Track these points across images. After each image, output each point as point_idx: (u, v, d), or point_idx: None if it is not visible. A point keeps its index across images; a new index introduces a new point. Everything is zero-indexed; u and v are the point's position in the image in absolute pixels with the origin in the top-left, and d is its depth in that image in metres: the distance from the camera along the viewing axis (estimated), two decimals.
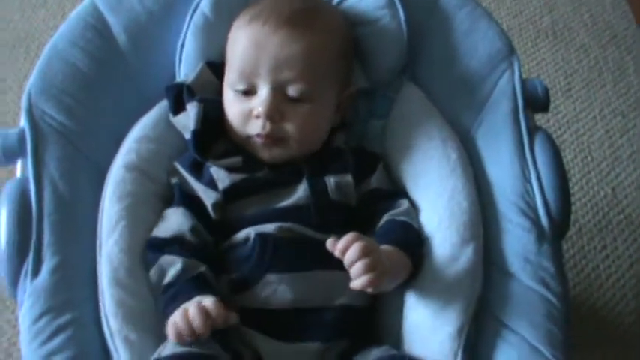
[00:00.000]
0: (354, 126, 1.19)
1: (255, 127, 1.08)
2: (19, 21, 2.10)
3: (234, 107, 1.10)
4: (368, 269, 0.94)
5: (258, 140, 1.08)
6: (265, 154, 1.09)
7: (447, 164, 1.10)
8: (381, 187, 1.13)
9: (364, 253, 0.95)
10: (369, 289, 0.95)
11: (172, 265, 1.00)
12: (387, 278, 0.98)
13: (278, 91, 1.07)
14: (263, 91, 1.07)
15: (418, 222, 1.09)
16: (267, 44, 1.07)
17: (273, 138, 1.08)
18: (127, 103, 1.17)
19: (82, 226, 1.07)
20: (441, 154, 1.11)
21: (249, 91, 1.09)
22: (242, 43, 1.10)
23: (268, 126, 1.07)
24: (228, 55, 1.13)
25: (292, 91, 1.07)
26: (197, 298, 0.95)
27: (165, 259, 1.01)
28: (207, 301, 0.94)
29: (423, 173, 1.11)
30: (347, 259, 0.95)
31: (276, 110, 1.07)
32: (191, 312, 0.93)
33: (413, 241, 1.06)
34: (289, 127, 1.07)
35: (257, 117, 1.07)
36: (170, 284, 1.00)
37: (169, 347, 0.94)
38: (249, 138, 1.09)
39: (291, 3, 1.13)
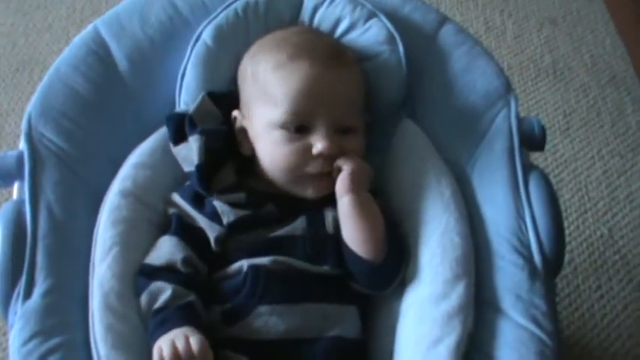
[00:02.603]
0: None
1: (315, 166, 1.08)
2: (23, 45, 2.12)
3: (285, 147, 1.09)
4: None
5: (313, 181, 1.09)
6: (313, 193, 1.10)
7: (441, 201, 1.10)
8: None
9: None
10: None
11: (162, 292, 1.00)
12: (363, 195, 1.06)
13: (334, 128, 1.09)
14: (322, 130, 1.08)
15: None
16: (321, 83, 1.08)
17: (329, 175, 1.09)
18: (125, 129, 1.18)
19: (76, 250, 1.06)
20: (435, 191, 1.11)
21: (302, 129, 1.09)
22: (292, 81, 1.08)
23: (328, 164, 1.08)
24: (269, 93, 1.10)
25: (345, 126, 1.10)
26: (185, 329, 0.95)
27: (156, 285, 1.01)
28: (195, 341, 0.94)
29: (416, 209, 1.11)
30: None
31: (337, 148, 1.08)
32: (178, 346, 0.93)
33: (393, 231, 1.08)
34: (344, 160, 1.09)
35: (317, 156, 1.08)
36: (159, 309, 0.99)
37: None
38: (299, 177, 1.09)
39: (322, 39, 1.16)
